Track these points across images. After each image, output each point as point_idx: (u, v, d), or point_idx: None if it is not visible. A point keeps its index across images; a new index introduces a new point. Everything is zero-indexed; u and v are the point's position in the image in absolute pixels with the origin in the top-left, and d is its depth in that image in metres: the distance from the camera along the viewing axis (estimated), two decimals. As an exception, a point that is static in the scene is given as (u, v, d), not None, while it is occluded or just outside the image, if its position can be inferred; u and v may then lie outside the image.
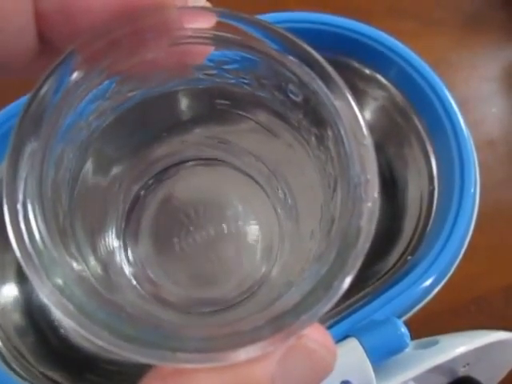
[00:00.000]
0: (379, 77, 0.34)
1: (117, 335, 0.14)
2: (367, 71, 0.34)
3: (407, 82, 0.33)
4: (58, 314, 0.14)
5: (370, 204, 0.15)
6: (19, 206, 0.14)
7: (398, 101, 0.34)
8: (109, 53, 0.16)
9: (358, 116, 0.15)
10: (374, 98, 0.35)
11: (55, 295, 0.14)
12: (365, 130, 0.15)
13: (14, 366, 0.29)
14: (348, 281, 0.14)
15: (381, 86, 0.34)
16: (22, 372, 0.29)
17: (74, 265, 0.15)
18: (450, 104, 0.31)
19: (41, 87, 0.15)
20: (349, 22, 0.33)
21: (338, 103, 0.15)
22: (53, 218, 0.15)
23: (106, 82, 0.17)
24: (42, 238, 0.14)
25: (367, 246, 0.14)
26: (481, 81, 0.47)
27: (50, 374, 0.30)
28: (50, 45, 0.16)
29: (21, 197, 0.14)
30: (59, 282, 0.14)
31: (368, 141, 0.15)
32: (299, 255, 0.20)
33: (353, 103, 0.15)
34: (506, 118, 0.47)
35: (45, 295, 0.14)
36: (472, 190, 0.30)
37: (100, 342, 0.14)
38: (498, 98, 0.47)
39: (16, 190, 0.14)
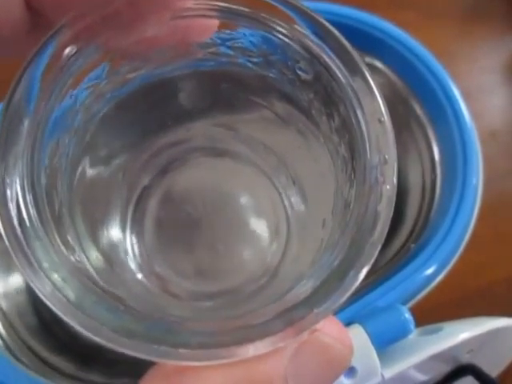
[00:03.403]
0: (379, 64, 0.33)
1: (115, 330, 0.12)
2: (367, 59, 0.33)
3: (408, 69, 0.31)
4: (51, 308, 0.12)
5: (388, 187, 0.13)
6: (9, 193, 0.13)
7: (399, 88, 0.33)
8: (105, 27, 0.14)
9: (374, 91, 0.13)
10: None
11: (48, 287, 0.12)
12: (383, 107, 0.13)
13: (18, 354, 0.28)
14: (365, 271, 0.13)
15: (381, 74, 0.33)
16: (26, 361, 0.27)
17: (71, 256, 0.14)
18: (452, 91, 0.30)
19: (29, 64, 0.13)
20: (347, 10, 0.31)
21: (352, 78, 0.14)
22: (47, 206, 0.14)
23: (102, 62, 0.15)
24: (33, 226, 0.13)
25: (385, 233, 0.13)
26: (482, 72, 0.46)
27: (56, 364, 0.29)
28: (43, 18, 0.14)
29: (10, 183, 0.13)
30: (53, 273, 0.12)
31: (386, 118, 0.13)
32: (310, 245, 0.18)
33: (369, 78, 0.14)
34: (508, 110, 0.45)
35: (37, 288, 0.12)
36: (474, 181, 0.29)
37: (98, 339, 0.12)
38: (500, 89, 0.46)
39: (5, 176, 0.13)
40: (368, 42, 0.31)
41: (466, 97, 0.30)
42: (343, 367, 0.14)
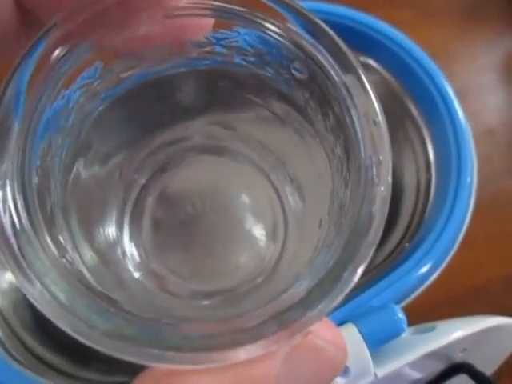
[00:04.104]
0: (373, 64, 0.32)
1: (106, 334, 0.12)
2: (362, 58, 0.32)
3: (403, 68, 0.31)
4: (41, 310, 0.12)
5: (382, 188, 0.12)
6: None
7: (394, 88, 0.32)
8: (96, 26, 0.13)
9: (369, 91, 0.13)
10: (369, 85, 0.33)
11: (38, 290, 0.12)
12: (377, 108, 0.13)
13: (14, 352, 0.27)
14: (359, 272, 0.12)
15: (376, 73, 0.32)
16: (22, 359, 0.27)
17: (62, 257, 0.13)
18: (447, 91, 0.30)
19: (19, 65, 0.13)
20: (342, 10, 0.31)
21: (347, 78, 0.13)
22: (38, 207, 0.13)
23: (95, 60, 0.14)
24: (23, 228, 0.12)
25: (380, 233, 0.12)
26: (480, 70, 0.46)
27: (53, 362, 0.28)
28: (33, 17, 0.14)
29: (0, 185, 0.12)
30: (43, 276, 0.12)
31: (380, 119, 0.13)
32: (307, 245, 0.18)
33: (363, 77, 0.13)
34: (505, 108, 0.45)
35: (26, 290, 0.12)
36: (468, 180, 0.29)
37: (88, 342, 0.12)
38: (498, 87, 0.46)
39: None
40: (363, 41, 0.31)
41: (464, 95, 0.30)
42: (337, 371, 0.13)
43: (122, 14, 0.13)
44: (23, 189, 0.13)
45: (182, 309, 0.21)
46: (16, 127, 0.13)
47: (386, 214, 0.12)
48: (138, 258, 0.22)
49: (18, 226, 0.12)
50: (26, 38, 0.14)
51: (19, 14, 0.14)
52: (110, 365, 0.29)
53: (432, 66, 0.30)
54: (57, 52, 0.13)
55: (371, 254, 0.12)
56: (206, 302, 0.22)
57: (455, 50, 0.46)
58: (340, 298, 0.12)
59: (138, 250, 0.22)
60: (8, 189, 0.12)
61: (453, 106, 0.29)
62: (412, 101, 0.32)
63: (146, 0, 0.13)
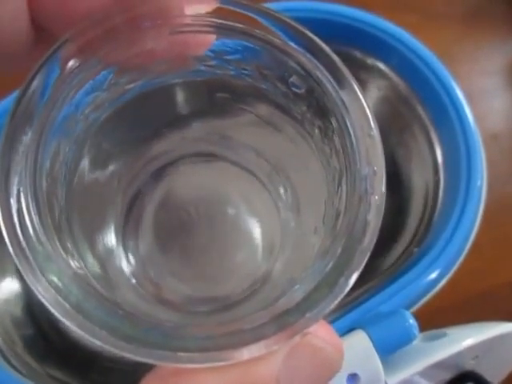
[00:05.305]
0: (382, 66, 0.33)
1: (116, 335, 0.13)
2: (369, 61, 0.33)
3: (411, 70, 0.32)
4: (54, 312, 0.13)
5: (377, 197, 0.14)
6: (12, 200, 0.14)
7: (402, 90, 0.33)
8: (106, 41, 0.15)
9: (364, 106, 0.15)
10: (377, 87, 0.34)
11: (50, 293, 0.13)
12: (371, 121, 0.15)
13: (14, 362, 0.28)
14: (354, 277, 0.14)
15: (383, 76, 0.33)
16: (21, 369, 0.28)
17: (71, 262, 0.15)
18: (456, 93, 0.30)
19: (34, 77, 0.14)
20: (351, 11, 0.32)
21: (343, 93, 0.15)
22: (48, 213, 0.15)
23: (104, 73, 0.16)
24: (36, 232, 0.14)
25: (374, 241, 0.14)
26: (484, 75, 0.47)
27: (50, 371, 0.29)
28: (47, 33, 0.15)
29: (14, 190, 0.14)
30: (54, 279, 0.13)
31: (375, 132, 0.14)
32: (302, 252, 0.19)
33: (359, 93, 0.15)
34: (509, 112, 0.46)
35: (39, 293, 0.13)
36: (479, 183, 0.29)
37: (98, 342, 0.13)
38: (502, 91, 0.46)
39: (9, 183, 0.14)
40: (371, 43, 0.32)
41: (468, 99, 0.30)
42: (334, 370, 0.15)
43: (130, 31, 0.15)
44: (35, 195, 0.14)
45: (176, 316, 0.22)
46: (30, 134, 0.14)
47: (380, 222, 0.14)
48: (135, 265, 0.23)
49: (30, 230, 0.13)
50: (36, 52, 0.15)
51: (34, 31, 0.15)
52: (108, 376, 0.30)
53: (441, 68, 0.31)
54: (69, 64, 0.15)
55: (366, 259, 0.14)
56: (200, 309, 0.23)
57: (459, 53, 0.47)
58: (336, 302, 0.14)
59: (134, 256, 0.23)
60: (21, 195, 0.14)
61: (462, 108, 0.30)
62: (420, 103, 0.32)
63: (153, 18, 0.15)
